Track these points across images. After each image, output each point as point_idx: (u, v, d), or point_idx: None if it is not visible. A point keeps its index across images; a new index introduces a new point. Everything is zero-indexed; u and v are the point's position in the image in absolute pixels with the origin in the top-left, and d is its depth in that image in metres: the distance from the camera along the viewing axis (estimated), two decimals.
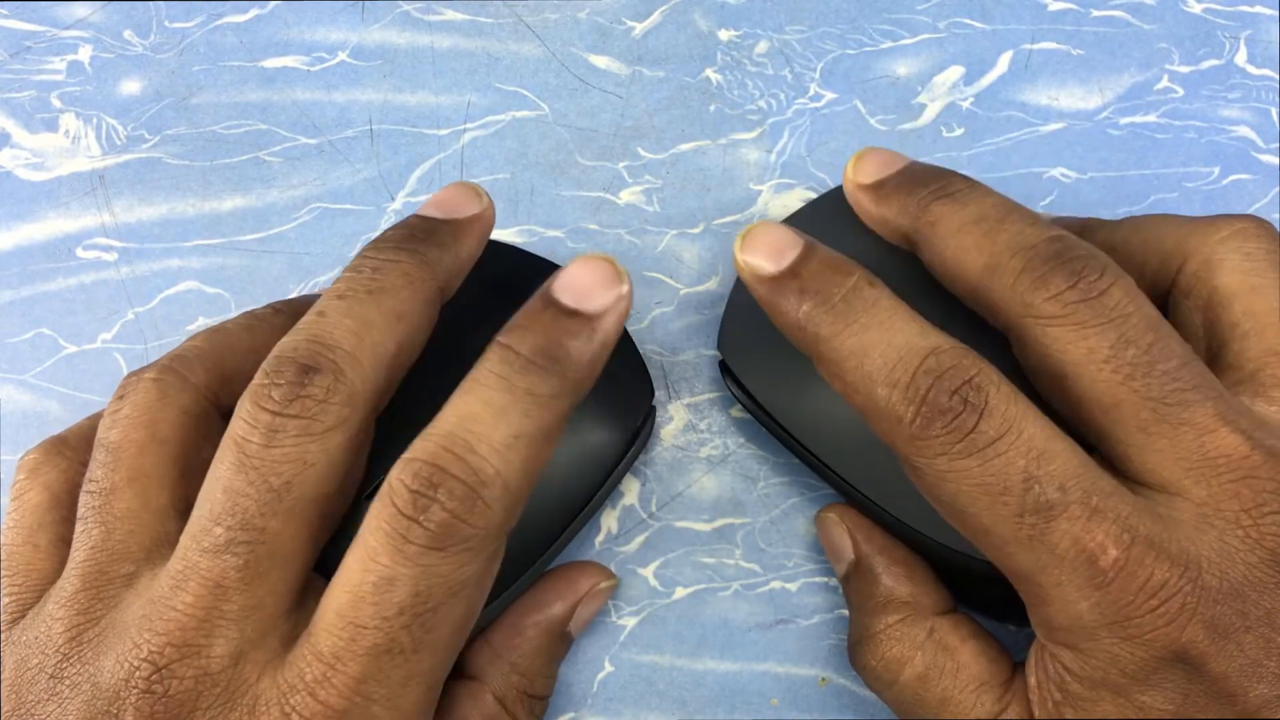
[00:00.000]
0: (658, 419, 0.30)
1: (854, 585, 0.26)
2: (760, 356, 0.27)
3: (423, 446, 0.20)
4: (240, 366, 0.25)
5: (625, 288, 0.23)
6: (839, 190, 0.29)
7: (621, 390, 0.27)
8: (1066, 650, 0.21)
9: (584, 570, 0.28)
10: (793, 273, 0.23)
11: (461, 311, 0.26)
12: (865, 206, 0.26)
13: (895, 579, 0.26)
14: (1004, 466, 0.20)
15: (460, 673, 0.26)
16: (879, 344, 0.22)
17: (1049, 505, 0.20)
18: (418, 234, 0.24)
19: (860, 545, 0.26)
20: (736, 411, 0.30)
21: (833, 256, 0.23)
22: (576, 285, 0.22)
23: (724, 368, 0.28)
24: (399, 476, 0.20)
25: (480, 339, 0.25)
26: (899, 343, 0.21)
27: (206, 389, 0.24)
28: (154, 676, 0.20)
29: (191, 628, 0.20)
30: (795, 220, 0.28)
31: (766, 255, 0.23)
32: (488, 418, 0.20)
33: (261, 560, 0.21)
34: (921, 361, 0.21)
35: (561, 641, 0.27)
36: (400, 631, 0.20)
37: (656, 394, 0.30)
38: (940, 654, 0.24)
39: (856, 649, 0.26)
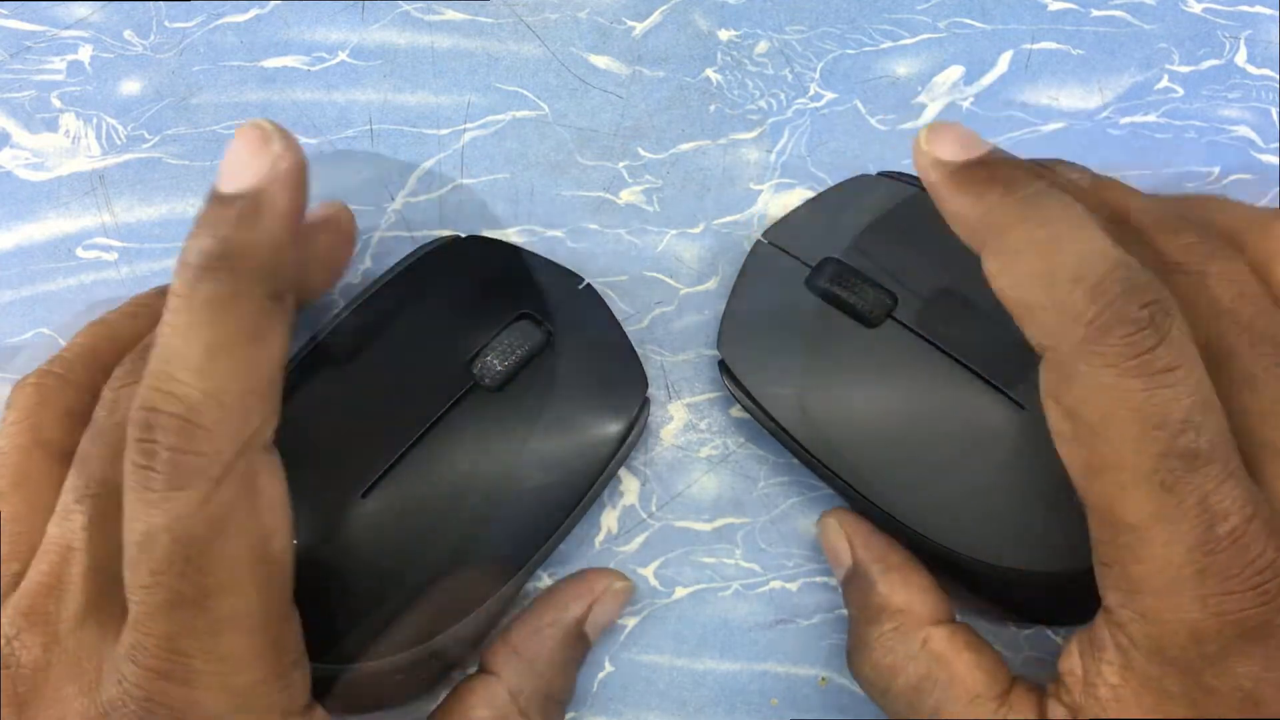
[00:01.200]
0: (658, 419, 0.30)
1: (851, 591, 0.26)
2: (761, 356, 0.28)
3: (137, 393, 0.20)
4: (125, 356, 0.24)
5: (276, 146, 0.21)
6: (857, 181, 0.29)
7: (614, 384, 0.27)
8: (1140, 621, 0.20)
9: (599, 573, 0.28)
10: (982, 162, 0.22)
11: (438, 308, 0.27)
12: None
13: (890, 586, 0.25)
14: (1169, 400, 0.19)
15: (479, 668, 0.26)
16: (1072, 239, 0.20)
17: (1194, 454, 0.19)
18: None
19: (857, 551, 0.26)
20: (736, 411, 0.30)
21: (1021, 159, 0.22)
22: (229, 165, 0.21)
23: (723, 367, 0.28)
24: (129, 429, 0.20)
25: (458, 336, 0.26)
26: (1094, 244, 0.20)
27: (90, 385, 0.24)
28: (6, 649, 0.20)
29: (41, 595, 0.21)
30: (818, 205, 0.29)
31: (955, 144, 0.22)
32: (178, 342, 0.20)
33: (107, 513, 0.21)
34: (1115, 267, 0.20)
35: (579, 643, 0.27)
36: (177, 581, 0.20)
37: (657, 394, 0.30)
38: (934, 664, 0.24)
39: (853, 656, 0.26)
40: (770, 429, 0.27)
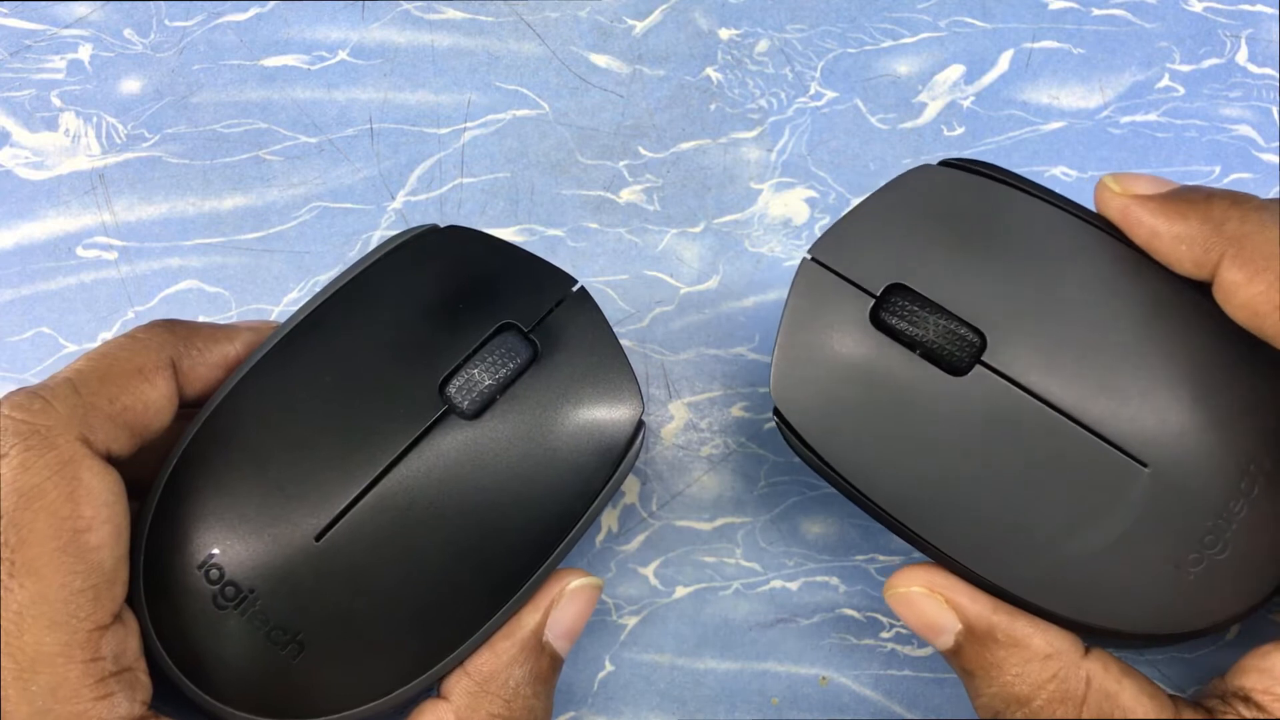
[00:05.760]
0: (659, 418, 0.30)
1: (973, 654, 0.23)
2: (823, 410, 0.23)
3: None
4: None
5: None
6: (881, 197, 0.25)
7: (606, 410, 0.24)
8: None
9: (557, 575, 0.25)
10: (1187, 188, 0.23)
11: (409, 314, 0.24)
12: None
13: (1026, 633, 0.23)
14: None
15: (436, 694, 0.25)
16: None
17: None
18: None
19: (968, 609, 0.23)
20: (737, 410, 0.30)
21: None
22: None
23: (779, 416, 0.24)
24: None
25: (431, 350, 0.24)
26: None
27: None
28: None
29: None
30: (873, 209, 0.24)
31: (1147, 181, 0.23)
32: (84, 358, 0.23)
33: None
34: None
35: (541, 655, 0.24)
36: None
37: (657, 393, 0.30)
38: (1105, 703, 0.22)
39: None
40: (840, 488, 0.24)
